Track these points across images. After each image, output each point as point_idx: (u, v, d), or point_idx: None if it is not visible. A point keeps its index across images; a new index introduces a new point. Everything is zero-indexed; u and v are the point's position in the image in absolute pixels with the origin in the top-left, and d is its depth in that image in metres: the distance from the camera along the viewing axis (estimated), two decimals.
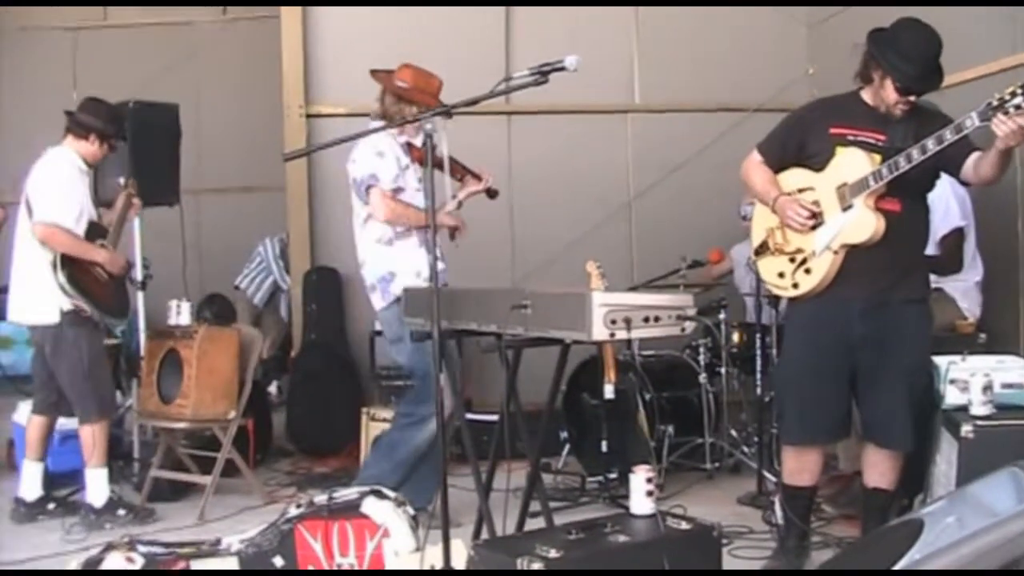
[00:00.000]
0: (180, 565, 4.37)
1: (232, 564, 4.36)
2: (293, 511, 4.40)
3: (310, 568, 4.28)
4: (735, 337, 6.55)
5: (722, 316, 6.53)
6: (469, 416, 5.53)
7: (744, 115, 7.77)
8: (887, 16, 4.20)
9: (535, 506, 4.40)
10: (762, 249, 4.52)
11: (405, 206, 5.26)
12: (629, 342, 5.70)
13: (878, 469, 4.41)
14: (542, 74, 3.77)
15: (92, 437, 5.58)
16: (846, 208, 4.16)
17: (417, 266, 5.23)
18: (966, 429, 4.09)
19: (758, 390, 6.18)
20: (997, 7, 5.60)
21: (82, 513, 5.61)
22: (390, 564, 4.17)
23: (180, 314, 6.18)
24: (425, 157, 3.84)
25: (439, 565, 3.75)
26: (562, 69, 3.73)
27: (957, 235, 5.30)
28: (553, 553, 3.24)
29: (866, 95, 4.29)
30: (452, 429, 5.00)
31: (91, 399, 5.62)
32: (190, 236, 7.01)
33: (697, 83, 8.10)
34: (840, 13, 7.46)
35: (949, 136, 3.83)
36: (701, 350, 6.48)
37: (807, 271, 4.30)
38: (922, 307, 4.37)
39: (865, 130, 4.22)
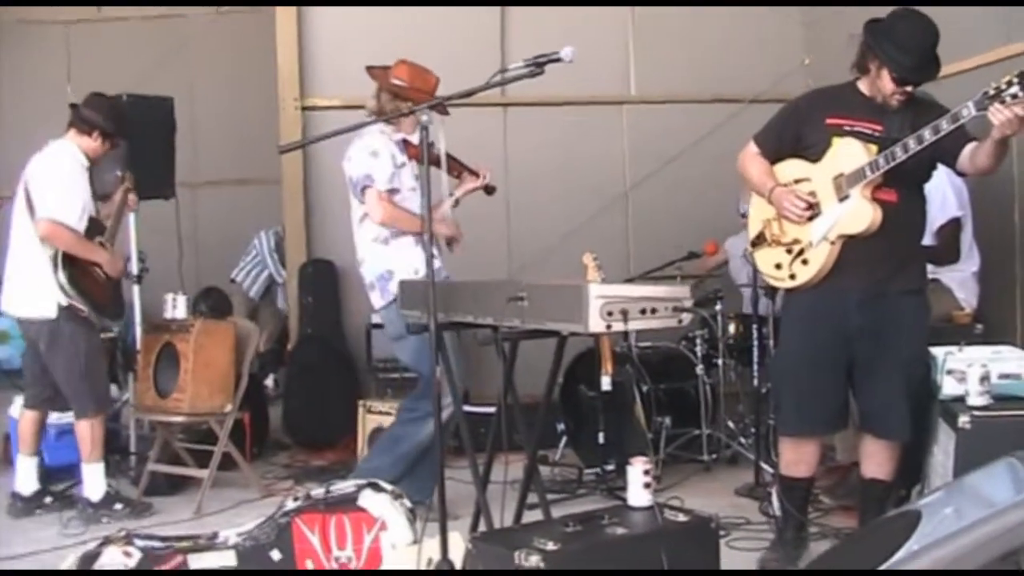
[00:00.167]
0: (177, 559, 4.37)
1: (229, 558, 4.36)
2: (290, 504, 4.40)
3: (308, 563, 4.28)
4: (732, 328, 6.55)
5: (718, 307, 6.53)
6: (466, 408, 5.53)
7: (740, 106, 7.76)
8: (883, 6, 4.19)
9: (533, 498, 4.40)
10: (759, 240, 4.52)
11: (401, 210, 5.25)
12: (626, 334, 5.70)
13: (875, 460, 4.41)
14: (538, 65, 3.76)
15: (89, 432, 5.57)
16: (843, 199, 4.15)
17: (414, 264, 5.22)
18: (963, 420, 4.08)
19: (755, 381, 6.18)
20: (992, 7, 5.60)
21: (79, 507, 5.61)
22: (387, 557, 4.18)
23: (176, 308, 6.18)
24: (421, 153, 3.83)
25: (436, 558, 3.74)
26: (558, 60, 3.72)
27: (954, 225, 5.29)
28: (551, 545, 3.24)
29: (863, 85, 4.28)
30: (451, 424, 5.01)
31: (88, 394, 5.61)
32: (186, 229, 7.00)
33: (693, 74, 8.09)
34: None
35: (945, 126, 3.82)
36: (698, 341, 6.48)
37: (804, 262, 4.29)
38: (919, 298, 4.37)
39: (861, 120, 4.21)
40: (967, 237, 5.37)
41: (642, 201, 8.11)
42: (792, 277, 4.36)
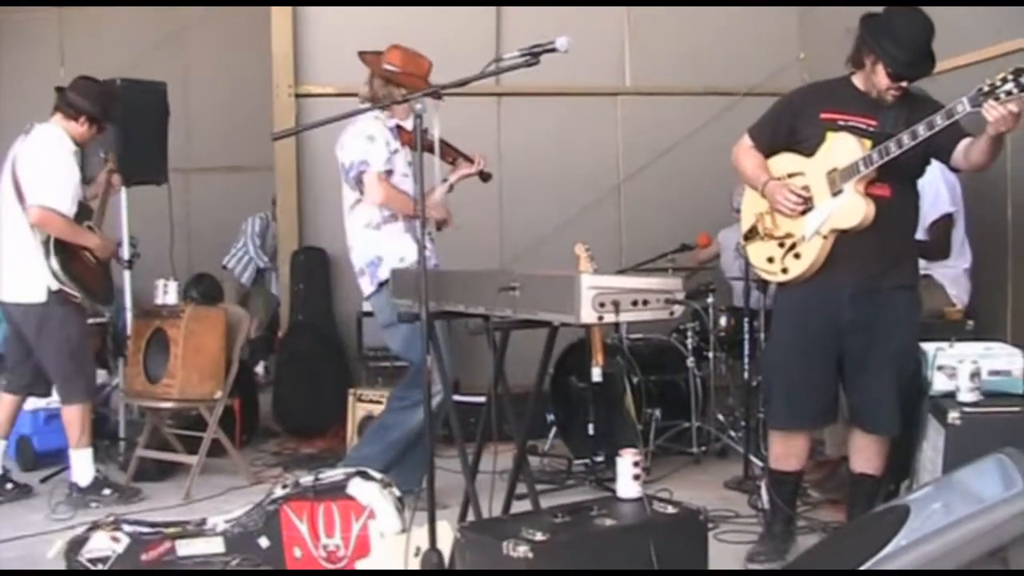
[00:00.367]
0: (165, 545, 4.37)
1: (217, 544, 4.36)
2: (279, 492, 4.39)
3: (296, 551, 4.28)
4: (723, 321, 6.56)
5: (710, 300, 6.54)
6: (456, 398, 5.54)
7: (735, 99, 7.77)
8: (879, 5, 4.19)
9: (522, 489, 4.40)
10: (751, 234, 4.51)
11: (400, 192, 5.24)
12: (617, 325, 5.70)
13: (864, 454, 4.42)
14: (533, 55, 3.75)
15: (77, 417, 5.56)
16: (836, 193, 4.15)
17: (402, 252, 5.21)
18: (953, 416, 4.09)
19: (746, 374, 6.19)
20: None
21: (68, 492, 5.60)
22: (376, 545, 4.17)
23: (167, 293, 6.17)
24: (415, 139, 3.82)
25: (425, 547, 3.74)
26: (553, 50, 3.71)
27: (946, 221, 5.29)
28: (539, 536, 3.24)
29: (857, 80, 4.28)
30: (442, 412, 5.00)
31: (77, 379, 5.60)
32: (178, 215, 6.97)
33: (688, 66, 8.07)
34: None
35: (940, 122, 3.83)
36: (689, 334, 6.48)
37: (796, 256, 4.29)
38: (911, 293, 4.37)
39: (856, 115, 4.21)
40: (959, 233, 5.37)
41: (635, 193, 8.10)
42: (784, 271, 4.36)
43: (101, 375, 6.91)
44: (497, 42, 7.71)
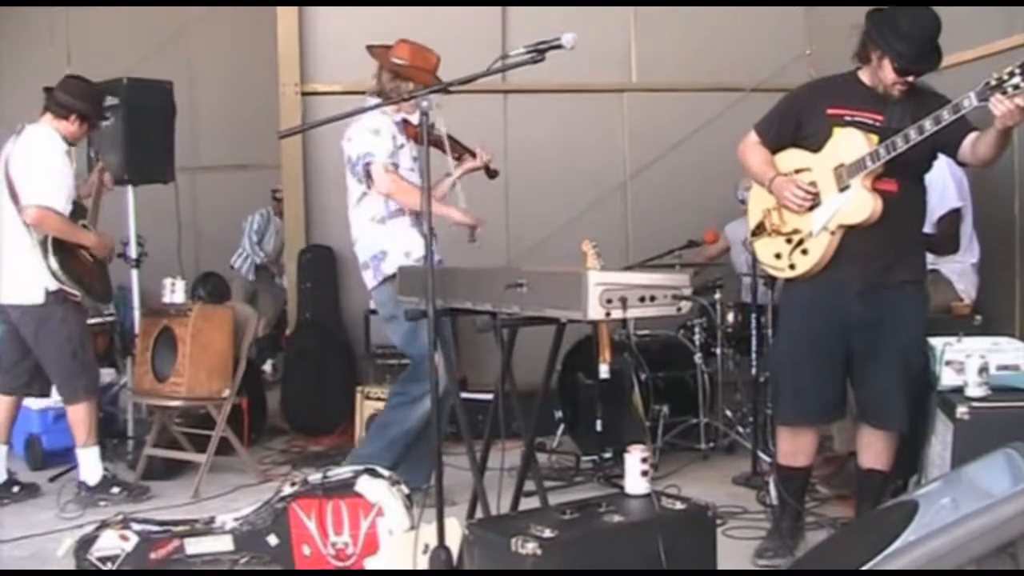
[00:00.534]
0: (174, 543, 4.38)
1: (226, 542, 4.37)
2: (287, 489, 4.40)
3: (304, 549, 4.28)
4: (731, 317, 6.54)
5: (717, 296, 6.53)
6: (464, 395, 5.54)
7: (741, 95, 7.75)
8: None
9: (530, 486, 4.40)
10: (759, 230, 4.51)
11: (408, 183, 5.23)
12: (624, 322, 5.69)
13: (873, 450, 4.41)
14: (538, 52, 3.74)
15: (82, 416, 5.57)
16: (843, 189, 4.15)
17: (406, 246, 5.22)
18: (961, 411, 4.08)
19: (753, 370, 6.17)
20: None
21: (76, 491, 5.61)
22: (384, 543, 4.18)
23: (174, 292, 6.17)
24: (421, 135, 3.82)
25: (433, 544, 3.74)
26: (559, 47, 3.70)
27: (954, 216, 5.28)
28: (547, 533, 3.24)
29: (864, 75, 4.27)
30: (448, 409, 5.00)
31: (79, 378, 5.60)
32: (185, 214, 6.99)
33: (694, 62, 8.05)
34: None
35: (947, 116, 3.82)
36: (696, 330, 6.48)
37: (804, 252, 4.29)
38: (918, 288, 4.37)
39: (862, 111, 4.20)
40: (967, 228, 5.36)
41: (642, 189, 8.09)
42: (792, 267, 4.35)
43: (109, 374, 6.93)
44: (503, 40, 7.70)
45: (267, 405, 7.44)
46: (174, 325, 5.94)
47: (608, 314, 3.54)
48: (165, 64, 8.63)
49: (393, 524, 4.21)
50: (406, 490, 4.34)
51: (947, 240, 5.28)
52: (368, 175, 5.22)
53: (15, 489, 5.75)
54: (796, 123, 4.37)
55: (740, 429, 6.46)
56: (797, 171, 4.31)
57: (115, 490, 5.63)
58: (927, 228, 4.69)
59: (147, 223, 6.60)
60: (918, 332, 4.36)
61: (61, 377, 5.63)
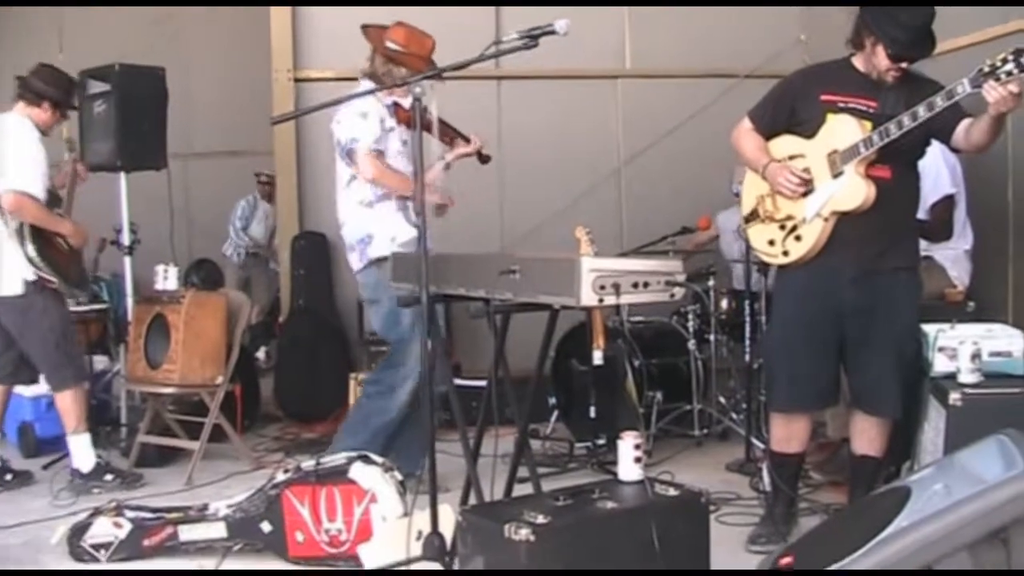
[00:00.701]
0: (167, 530, 4.38)
1: (219, 529, 4.38)
2: (280, 476, 4.41)
3: (298, 535, 4.28)
4: (724, 304, 6.55)
5: (711, 283, 6.53)
6: (457, 382, 5.53)
7: (735, 81, 7.74)
8: None
9: (523, 472, 4.40)
10: (752, 216, 4.51)
11: (392, 170, 5.22)
12: (618, 308, 5.70)
13: (866, 436, 4.42)
14: (532, 38, 3.73)
15: (71, 404, 5.56)
16: (837, 175, 4.14)
17: (392, 231, 5.22)
18: (954, 397, 4.09)
19: (747, 357, 6.18)
20: None
21: (69, 478, 5.60)
22: (378, 529, 4.18)
23: (167, 279, 6.16)
24: (412, 119, 3.81)
25: (427, 530, 3.75)
26: (552, 33, 3.69)
27: (947, 202, 5.28)
28: (541, 519, 3.24)
29: (858, 62, 4.26)
30: (426, 397, 4.99)
31: (66, 366, 5.59)
32: (178, 201, 6.97)
33: (688, 49, 8.04)
34: None
35: (940, 102, 3.82)
36: (690, 316, 6.49)
37: (797, 238, 4.29)
38: (912, 275, 4.37)
39: (856, 97, 4.20)
40: (960, 215, 5.36)
41: (636, 175, 8.08)
42: (785, 253, 4.35)
43: (102, 361, 6.92)
44: (497, 26, 7.67)
45: (260, 392, 7.45)
46: (167, 312, 5.94)
47: (601, 300, 3.53)
48: (158, 51, 8.58)
49: (386, 510, 4.21)
50: (399, 476, 4.35)
51: (940, 226, 5.28)
52: (353, 160, 5.21)
53: (8, 477, 5.74)
54: (790, 109, 4.37)
55: (734, 416, 6.47)
56: (791, 157, 4.30)
57: (108, 477, 5.63)
58: (920, 214, 4.69)
59: (139, 210, 6.57)
60: (911, 319, 4.37)
61: (47, 366, 5.62)
